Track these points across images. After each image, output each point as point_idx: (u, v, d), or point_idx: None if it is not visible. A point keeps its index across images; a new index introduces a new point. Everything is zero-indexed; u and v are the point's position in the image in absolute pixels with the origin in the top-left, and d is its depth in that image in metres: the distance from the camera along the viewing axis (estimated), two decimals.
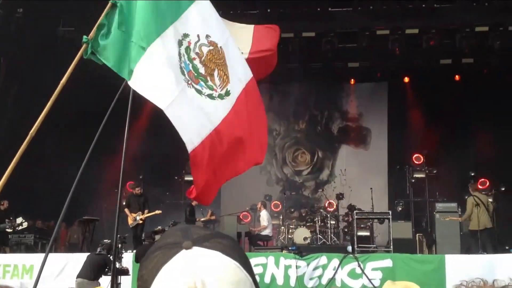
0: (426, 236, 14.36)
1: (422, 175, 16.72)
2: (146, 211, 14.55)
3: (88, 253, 11.47)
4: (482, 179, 15.93)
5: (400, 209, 16.36)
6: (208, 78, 4.50)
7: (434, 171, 16.67)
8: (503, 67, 16.66)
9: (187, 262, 0.98)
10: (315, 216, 16.02)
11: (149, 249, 1.07)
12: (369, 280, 11.73)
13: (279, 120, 19.95)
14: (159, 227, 14.04)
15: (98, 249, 11.23)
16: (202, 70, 4.50)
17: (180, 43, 4.42)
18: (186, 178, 17.92)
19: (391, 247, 13.47)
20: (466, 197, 13.47)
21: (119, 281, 10.67)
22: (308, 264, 12.05)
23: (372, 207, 15.84)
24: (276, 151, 19.84)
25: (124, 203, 15.11)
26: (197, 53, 4.50)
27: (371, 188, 16.45)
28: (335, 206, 17.11)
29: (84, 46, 4.32)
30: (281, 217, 16.40)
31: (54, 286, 11.75)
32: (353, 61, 17.47)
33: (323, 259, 12.09)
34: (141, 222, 14.44)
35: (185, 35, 4.47)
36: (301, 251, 12.62)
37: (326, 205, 17.23)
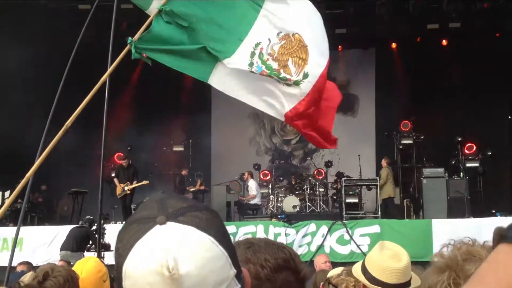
0: (414, 202, 14.52)
1: (410, 141, 16.79)
2: (134, 182, 14.58)
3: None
4: (469, 144, 16.03)
5: None
6: (282, 71, 4.70)
7: (422, 137, 16.73)
8: (490, 31, 16.64)
9: (160, 238, 0.97)
10: (304, 184, 16.10)
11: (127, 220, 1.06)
12: (357, 246, 11.89)
13: None
14: (148, 198, 14.06)
15: (80, 222, 11.34)
16: (275, 65, 4.71)
17: (252, 54, 4.71)
18: (174, 149, 17.90)
19: (379, 213, 13.61)
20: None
21: (102, 256, 10.72)
22: (297, 232, 12.18)
23: (360, 174, 15.94)
24: (265, 121, 19.81)
25: (113, 174, 15.14)
26: (269, 54, 4.73)
27: (359, 155, 16.53)
28: (323, 174, 17.20)
29: (127, 47, 4.43)
30: (270, 186, 16.46)
31: (44, 257, 11.81)
32: (340, 28, 17.33)
33: (312, 226, 12.22)
34: (128, 192, 14.47)
35: (257, 44, 4.73)
36: (290, 219, 12.73)
37: (315, 173, 17.32)
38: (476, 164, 15.57)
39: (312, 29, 4.88)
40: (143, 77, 17.45)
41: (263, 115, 19.77)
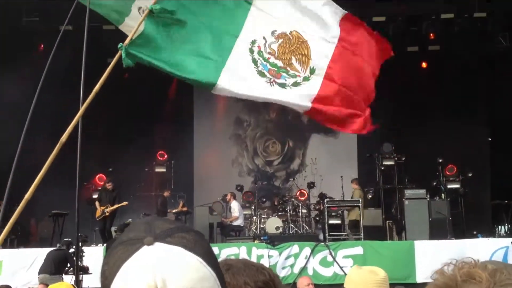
0: (396, 223, 14.56)
1: (391, 163, 16.86)
2: (115, 204, 14.45)
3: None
4: (450, 166, 16.16)
5: (370, 196, 16.52)
6: (288, 68, 4.75)
7: (403, 158, 16.83)
8: (468, 54, 16.91)
9: (148, 259, 0.96)
10: (287, 205, 16.07)
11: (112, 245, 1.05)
12: (340, 267, 11.86)
13: (248, 112, 19.89)
14: (130, 219, 13.93)
15: (58, 245, 11.21)
16: (280, 63, 4.76)
17: (251, 51, 4.74)
18: (156, 170, 17.78)
19: (362, 234, 13.61)
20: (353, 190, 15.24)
21: (80, 279, 10.59)
22: (280, 254, 12.12)
23: (342, 195, 15.96)
24: (247, 142, 19.82)
25: (95, 197, 14.99)
26: (269, 53, 4.78)
27: (341, 176, 16.55)
28: (306, 195, 17.19)
29: (118, 53, 4.26)
30: (252, 207, 16.40)
31: (24, 280, 11.61)
32: None
33: (295, 248, 12.18)
34: (107, 214, 14.31)
35: (253, 42, 4.76)
36: (273, 241, 12.67)
37: (297, 194, 17.31)
38: (457, 186, 15.70)
39: (307, 16, 4.89)
40: (125, 96, 17.39)
41: (246, 136, 19.92)
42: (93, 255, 11.76)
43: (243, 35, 4.71)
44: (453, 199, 15.30)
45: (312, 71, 4.79)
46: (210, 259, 1.02)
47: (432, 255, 11.93)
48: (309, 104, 4.80)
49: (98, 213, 14.36)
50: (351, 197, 15.00)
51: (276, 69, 4.69)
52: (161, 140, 18.33)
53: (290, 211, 15.70)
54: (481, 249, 11.84)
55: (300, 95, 4.79)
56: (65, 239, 11.74)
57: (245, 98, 4.95)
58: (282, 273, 11.98)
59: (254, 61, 4.69)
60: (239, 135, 19.81)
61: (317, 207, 16.36)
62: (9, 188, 3.59)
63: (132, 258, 0.97)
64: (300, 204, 16.12)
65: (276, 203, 16.70)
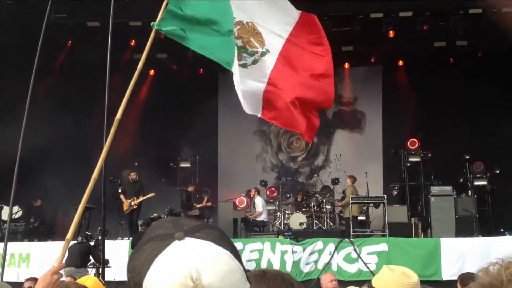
0: (421, 220, 14.42)
1: (417, 159, 16.73)
2: (140, 196, 14.59)
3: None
4: (477, 162, 15.96)
5: (395, 193, 16.39)
6: (247, 46, 4.85)
7: (429, 155, 16.67)
8: (496, 49, 16.64)
9: (181, 252, 1.00)
10: (311, 201, 16.04)
11: (139, 241, 1.09)
12: (365, 264, 11.80)
13: None
14: (155, 214, 14.06)
15: (80, 238, 11.39)
16: (239, 43, 4.83)
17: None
18: (181, 165, 17.91)
19: (387, 231, 13.53)
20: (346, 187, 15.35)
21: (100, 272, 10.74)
22: (304, 249, 12.11)
23: (367, 191, 15.87)
24: (271, 137, 19.82)
25: (119, 190, 15.14)
26: (233, 34, 4.82)
27: (366, 173, 16.46)
28: (330, 191, 17.14)
29: (153, 31, 4.41)
30: (276, 203, 16.41)
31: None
32: (347, 45, 17.39)
33: (319, 244, 12.16)
34: (135, 207, 14.47)
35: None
36: (297, 236, 12.67)
37: (322, 190, 17.26)
38: (484, 183, 15.49)
39: (265, 17, 5.00)
40: (151, 93, 17.55)
41: (270, 132, 19.92)
42: (119, 249, 11.91)
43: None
44: (480, 196, 15.11)
45: (267, 51, 4.89)
46: (236, 253, 1.06)
47: (458, 253, 11.81)
48: (263, 86, 4.86)
49: (125, 206, 14.51)
50: (343, 193, 14.92)
51: (237, 51, 4.76)
52: (186, 135, 18.44)
53: (314, 207, 15.66)
54: (508, 246, 11.65)
55: (257, 73, 4.86)
56: (86, 233, 11.95)
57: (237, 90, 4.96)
58: (306, 269, 11.98)
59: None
60: (263, 130, 19.81)
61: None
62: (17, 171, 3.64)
63: (164, 252, 1.01)
64: (324, 200, 16.08)
65: (300, 199, 16.68)
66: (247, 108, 4.96)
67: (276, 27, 5.06)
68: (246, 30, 4.91)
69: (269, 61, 4.91)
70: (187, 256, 0.99)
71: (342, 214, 15.40)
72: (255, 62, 4.88)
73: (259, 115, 5.07)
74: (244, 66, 4.84)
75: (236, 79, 4.76)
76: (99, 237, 11.27)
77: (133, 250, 1.08)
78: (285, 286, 1.67)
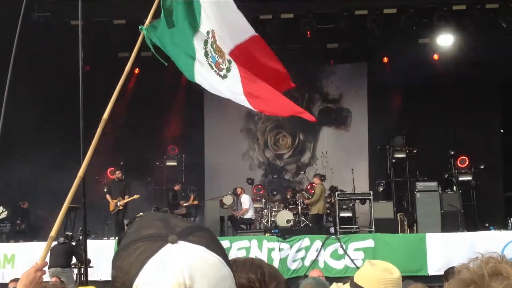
0: (407, 216, 14.51)
1: (403, 155, 16.83)
2: (126, 196, 14.54)
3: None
4: (462, 157, 16.08)
5: (381, 189, 16.49)
6: (220, 60, 4.87)
7: (415, 151, 16.78)
8: (480, 45, 16.76)
9: (174, 257, 0.99)
10: (298, 198, 16.06)
11: (125, 239, 1.06)
12: (352, 260, 11.86)
13: None
14: (141, 213, 13.99)
15: (62, 239, 11.35)
16: (218, 58, 4.88)
17: (205, 43, 4.82)
18: (167, 164, 17.85)
19: (373, 227, 13.60)
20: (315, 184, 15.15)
21: (82, 272, 10.71)
22: (291, 247, 12.14)
23: (353, 188, 15.94)
24: (258, 135, 19.81)
25: (105, 190, 15.06)
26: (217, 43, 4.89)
27: (352, 169, 16.54)
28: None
29: (141, 35, 4.50)
30: (263, 201, 16.42)
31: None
32: (332, 42, 17.43)
33: (305, 241, 12.19)
34: (121, 207, 14.42)
35: (208, 32, 4.84)
36: (284, 234, 12.69)
37: (308, 187, 17.29)
38: (469, 178, 15.62)
39: (220, 21, 4.99)
40: (136, 91, 17.44)
41: (256, 129, 19.91)
42: (104, 248, 11.84)
43: (202, 25, 4.82)
44: (465, 191, 15.24)
45: (230, 61, 4.90)
46: (226, 258, 1.06)
47: (443, 248, 11.90)
48: (241, 90, 4.88)
49: (111, 206, 14.46)
50: (312, 192, 14.96)
51: (220, 62, 4.83)
52: (172, 133, 18.38)
53: (301, 204, 15.69)
54: (493, 241, 11.77)
55: (231, 84, 4.88)
56: (66, 233, 11.91)
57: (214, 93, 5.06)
58: (293, 266, 12.01)
59: (206, 54, 4.79)
60: (250, 128, 19.80)
61: (328, 200, 16.33)
62: None
63: (157, 255, 0.99)
64: (311, 197, 16.10)
65: (287, 196, 16.70)
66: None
67: (228, 37, 5.08)
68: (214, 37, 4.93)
69: (235, 75, 4.91)
70: (181, 262, 0.98)
71: (308, 211, 15.49)
72: (225, 76, 4.90)
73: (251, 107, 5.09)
74: (224, 77, 4.88)
75: (216, 88, 4.85)
76: (80, 237, 11.27)
77: (120, 247, 1.05)
78: (254, 270, 1.65)
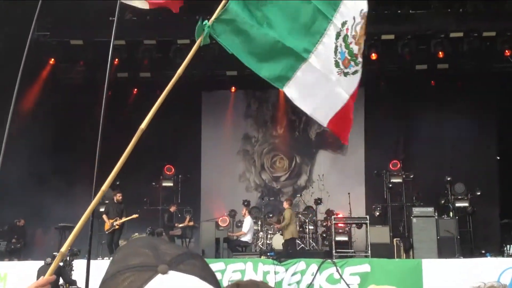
0: (404, 241, 14.46)
1: (399, 180, 16.84)
2: (123, 217, 14.47)
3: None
4: (458, 183, 16.08)
5: (377, 213, 16.45)
6: (359, 55, 4.30)
7: (411, 176, 16.79)
8: (477, 73, 16.90)
9: None
10: (264, 225, 16.01)
11: (112, 267, 1.00)
12: (347, 285, 11.77)
13: (257, 127, 19.93)
14: (136, 234, 13.93)
15: (49, 259, 11.26)
16: (355, 50, 4.27)
17: (337, 36, 4.19)
18: (164, 184, 17.79)
19: (369, 251, 13.53)
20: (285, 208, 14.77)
21: None
22: (286, 270, 12.04)
23: (350, 212, 15.90)
24: (255, 157, 19.81)
25: (102, 210, 14.98)
26: (353, 36, 4.25)
27: (348, 193, 16.51)
28: (313, 212, 17.12)
29: (199, 39, 3.94)
30: (259, 223, 16.35)
31: None
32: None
33: (301, 264, 12.11)
34: (117, 227, 14.34)
35: (343, 24, 4.20)
36: (280, 257, 12.61)
37: (304, 210, 17.24)
38: (466, 204, 15.61)
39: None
40: (134, 112, 17.46)
41: (253, 151, 19.91)
42: (98, 268, 11.72)
43: (335, 19, 4.15)
44: (461, 217, 15.21)
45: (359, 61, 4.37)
46: (219, 286, 1.01)
47: (440, 274, 11.83)
48: (347, 97, 4.37)
49: (107, 226, 14.38)
50: (282, 216, 14.84)
51: (349, 57, 4.24)
52: (169, 154, 18.36)
53: (297, 227, 15.63)
54: (489, 268, 11.71)
55: (350, 84, 4.34)
56: (53, 254, 11.82)
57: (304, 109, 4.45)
58: None
59: (335, 49, 4.19)
60: (247, 150, 19.81)
61: (324, 224, 16.29)
62: None
63: (147, 287, 0.93)
64: (307, 221, 16.05)
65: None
66: (317, 114, 4.48)
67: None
68: (365, 22, 4.29)
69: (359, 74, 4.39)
70: None
71: (303, 234, 15.45)
72: (355, 72, 4.33)
73: (325, 125, 4.57)
74: (346, 75, 4.29)
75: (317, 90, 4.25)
76: (68, 258, 11.19)
77: (106, 276, 0.99)
78: None
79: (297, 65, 4.13)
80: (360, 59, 4.31)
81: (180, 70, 3.82)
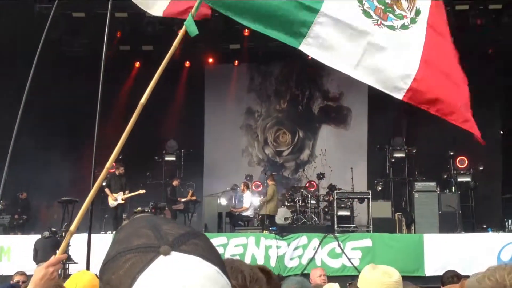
0: (405, 216, 14.51)
1: (402, 155, 16.81)
2: (127, 191, 14.50)
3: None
4: (461, 157, 16.06)
5: (379, 188, 16.48)
6: (395, 7, 3.98)
7: (414, 151, 16.76)
8: (483, 46, 16.76)
9: (168, 271, 0.92)
10: (296, 196, 16.06)
11: (112, 248, 0.99)
12: (349, 259, 11.85)
13: (260, 101, 19.87)
14: (139, 208, 14.00)
15: (46, 233, 11.34)
16: (388, 0, 3.99)
17: None
18: (166, 159, 17.81)
19: (371, 226, 13.59)
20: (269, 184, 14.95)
21: (67, 267, 10.71)
22: (288, 244, 12.12)
23: (352, 186, 15.93)
24: (258, 132, 19.80)
25: (104, 184, 15.01)
26: None
27: (351, 168, 16.53)
28: (315, 186, 17.17)
29: (192, 10, 3.81)
30: (261, 197, 16.41)
31: (34, 267, 11.70)
32: None
33: (303, 239, 12.17)
34: (123, 202, 14.40)
35: None
36: (282, 231, 12.69)
37: (307, 185, 17.28)
38: (468, 179, 15.60)
39: None
40: (136, 85, 17.40)
41: (256, 126, 19.89)
42: (101, 242, 11.80)
43: None
44: (463, 192, 15.22)
45: (418, 12, 3.99)
46: (223, 265, 0.99)
47: (441, 249, 11.90)
48: (419, 56, 3.91)
49: (111, 200, 14.39)
50: (266, 192, 14.88)
51: (383, 8, 3.91)
52: (171, 128, 18.34)
53: (299, 202, 15.70)
54: (491, 243, 11.77)
55: (409, 42, 3.95)
56: (51, 229, 11.93)
57: (334, 66, 4.04)
58: (290, 264, 12.00)
59: (360, 0, 3.90)
60: (250, 125, 19.79)
61: (327, 199, 16.34)
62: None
63: (149, 269, 0.92)
64: (309, 195, 16.10)
65: (286, 194, 16.69)
66: (380, 85, 4.05)
67: None
68: None
69: (420, 32, 3.97)
70: (175, 276, 0.91)
71: (306, 209, 15.55)
72: (404, 27, 3.97)
73: (400, 97, 4.10)
74: (391, 28, 3.94)
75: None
76: (63, 234, 11.27)
77: (107, 258, 0.98)
78: (234, 276, 1.57)
79: (311, 18, 3.86)
80: (398, 10, 3.99)
81: (174, 47, 3.78)
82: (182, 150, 18.06)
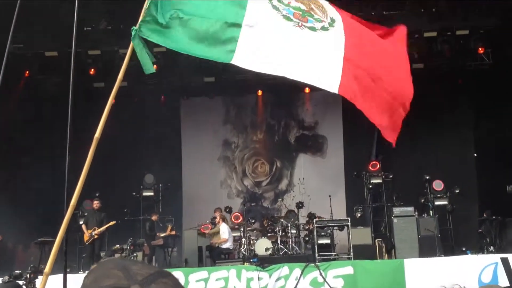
0: (385, 241, 14.55)
1: (379, 181, 16.91)
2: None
3: None
4: (437, 181, 16.21)
5: (358, 215, 16.51)
6: (312, 12, 4.27)
7: (390, 176, 16.89)
8: (452, 71, 17.11)
9: None
10: (276, 226, 16.01)
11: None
12: None
13: (237, 133, 19.93)
14: (118, 245, 13.80)
15: (6, 278, 11.06)
16: (302, 7, 4.27)
17: None
18: (144, 194, 17.65)
19: (352, 253, 13.58)
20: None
21: None
22: (270, 276, 12.04)
23: (331, 214, 15.94)
24: (236, 164, 19.80)
25: (81, 222, 14.78)
26: None
27: (329, 196, 16.56)
28: (295, 215, 17.14)
29: (131, 45, 4.06)
30: (242, 229, 16.32)
31: None
32: None
33: (285, 269, 12.11)
34: (96, 237, 14.10)
35: None
36: (263, 263, 12.59)
37: (286, 214, 17.25)
38: (445, 202, 15.73)
39: None
40: (112, 121, 17.33)
41: (234, 158, 19.89)
42: (80, 283, 11.58)
43: None
44: (441, 216, 15.34)
45: (333, 21, 4.28)
46: None
47: (422, 273, 11.92)
48: (342, 54, 4.16)
49: (86, 237, 14.13)
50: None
51: (301, 13, 4.19)
52: (148, 163, 18.24)
53: (279, 231, 15.63)
54: (470, 266, 11.84)
55: (331, 40, 4.20)
56: (16, 271, 11.62)
57: (267, 71, 4.30)
58: None
59: (275, 8, 4.19)
60: (227, 156, 19.80)
61: (306, 227, 16.31)
62: None
63: None
64: (289, 225, 16.06)
65: (265, 224, 16.63)
66: (317, 81, 4.24)
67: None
68: None
69: (339, 32, 4.24)
70: None
71: (286, 239, 15.59)
72: (324, 29, 4.23)
73: (335, 91, 4.29)
74: (312, 29, 4.19)
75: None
76: (28, 275, 11.00)
77: None
78: None
79: (237, 34, 4.12)
80: (317, 16, 4.26)
81: (120, 75, 3.84)
82: (160, 185, 17.92)
